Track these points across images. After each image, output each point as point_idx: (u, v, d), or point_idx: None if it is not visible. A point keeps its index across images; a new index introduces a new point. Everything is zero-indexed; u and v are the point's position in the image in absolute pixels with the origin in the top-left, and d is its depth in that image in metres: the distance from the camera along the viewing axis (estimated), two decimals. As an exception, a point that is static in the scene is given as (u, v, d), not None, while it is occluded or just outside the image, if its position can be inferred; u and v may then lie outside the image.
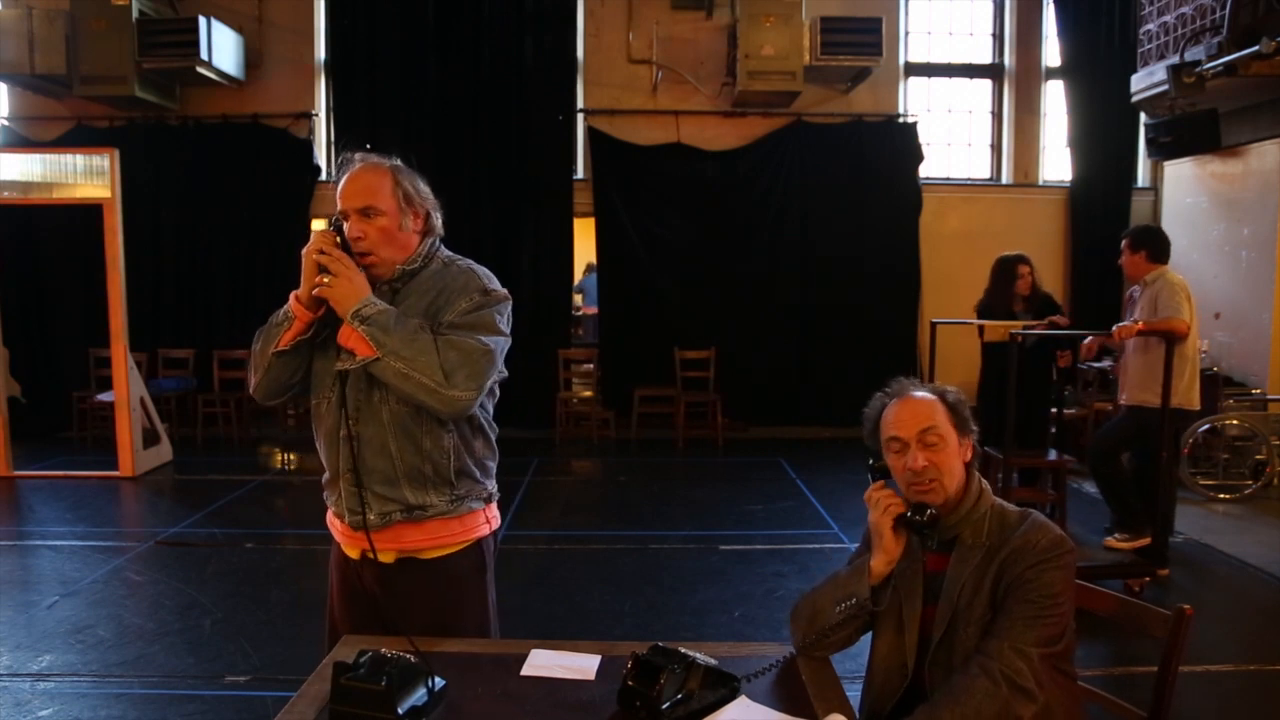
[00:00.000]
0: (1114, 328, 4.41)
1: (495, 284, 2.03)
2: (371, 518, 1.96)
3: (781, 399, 8.46)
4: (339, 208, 1.98)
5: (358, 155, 2.03)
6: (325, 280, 1.88)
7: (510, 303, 2.04)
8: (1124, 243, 4.74)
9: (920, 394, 1.82)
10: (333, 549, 2.15)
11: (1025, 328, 4.83)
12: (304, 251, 1.94)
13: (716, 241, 8.33)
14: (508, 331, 2.02)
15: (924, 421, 1.77)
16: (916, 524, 1.79)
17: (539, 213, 8.35)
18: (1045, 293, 5.49)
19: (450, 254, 2.10)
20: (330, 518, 2.12)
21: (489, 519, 2.12)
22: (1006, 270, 5.37)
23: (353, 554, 2.05)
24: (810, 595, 1.92)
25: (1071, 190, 8.60)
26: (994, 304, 5.38)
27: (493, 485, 2.14)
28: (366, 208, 1.95)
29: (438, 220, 2.07)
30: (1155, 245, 4.64)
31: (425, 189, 2.06)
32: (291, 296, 2.00)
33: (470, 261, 2.09)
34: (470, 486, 2.05)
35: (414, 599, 2.02)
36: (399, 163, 2.05)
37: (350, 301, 1.88)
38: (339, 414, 1.98)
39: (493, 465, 2.14)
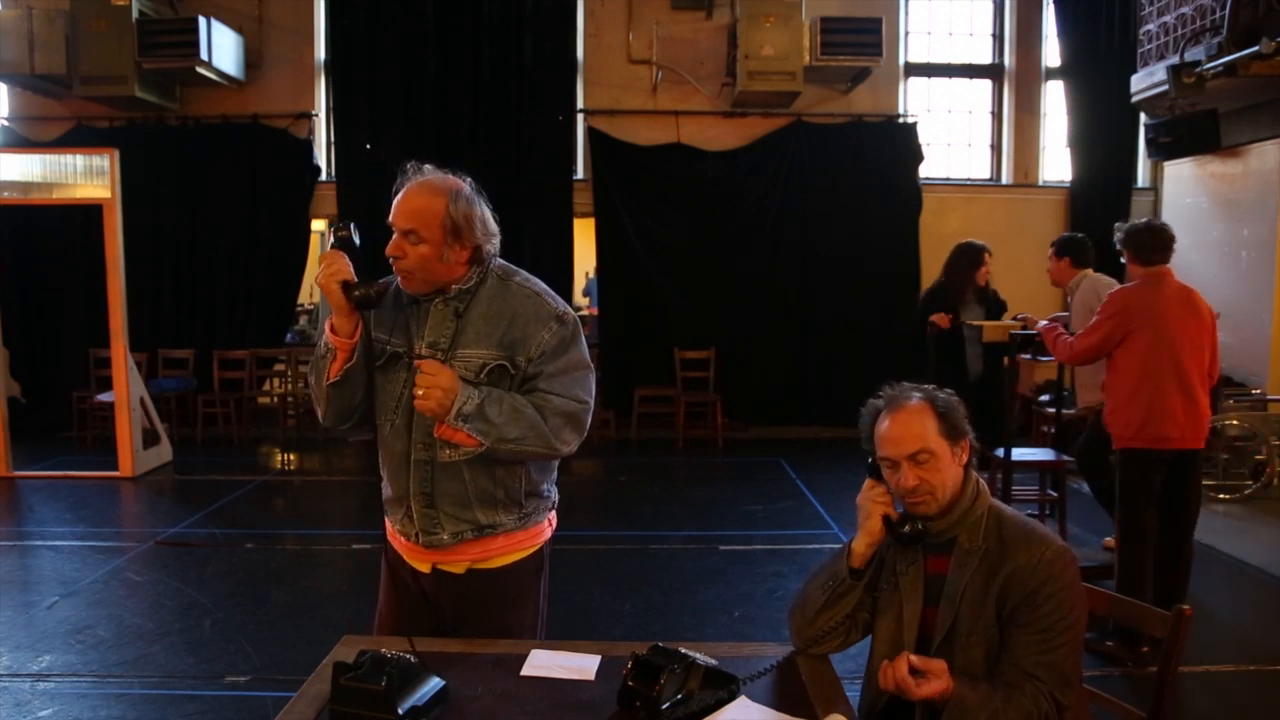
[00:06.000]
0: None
1: (561, 303, 2.02)
2: (444, 537, 1.99)
3: (781, 399, 8.46)
4: (389, 218, 1.93)
5: (426, 168, 1.96)
6: (419, 393, 1.84)
7: (580, 324, 2.04)
8: (1050, 252, 4.84)
9: (913, 402, 1.81)
10: (385, 554, 2.16)
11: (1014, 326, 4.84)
12: (319, 283, 1.92)
13: (716, 241, 8.33)
14: (590, 359, 2.04)
15: (914, 444, 1.77)
16: (899, 534, 1.81)
17: (539, 213, 8.34)
18: (993, 289, 5.46)
19: (504, 265, 2.05)
20: (392, 532, 2.12)
21: (550, 523, 2.17)
22: (972, 256, 5.33)
23: (423, 568, 2.06)
24: (802, 587, 1.95)
25: (1071, 190, 8.60)
26: (949, 289, 5.34)
27: (555, 494, 2.17)
28: (410, 231, 1.90)
29: (489, 248, 1.98)
30: (1077, 252, 4.76)
31: (482, 217, 1.95)
32: (326, 328, 1.97)
33: (526, 275, 2.06)
34: (537, 504, 2.09)
35: (476, 604, 2.06)
36: (462, 186, 1.95)
37: (442, 407, 1.84)
38: (408, 438, 1.98)
39: (554, 474, 2.17)
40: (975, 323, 5.15)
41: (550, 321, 1.97)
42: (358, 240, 1.95)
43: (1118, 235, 3.93)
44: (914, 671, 1.63)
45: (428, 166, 1.97)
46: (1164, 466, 3.68)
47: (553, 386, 1.95)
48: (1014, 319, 5.07)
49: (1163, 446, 3.65)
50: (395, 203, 1.93)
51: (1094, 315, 4.20)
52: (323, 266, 1.91)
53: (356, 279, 1.91)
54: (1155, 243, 3.78)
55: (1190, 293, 3.76)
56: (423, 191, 1.92)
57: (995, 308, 5.32)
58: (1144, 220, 3.95)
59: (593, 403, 2.01)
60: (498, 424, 1.87)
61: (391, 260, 1.94)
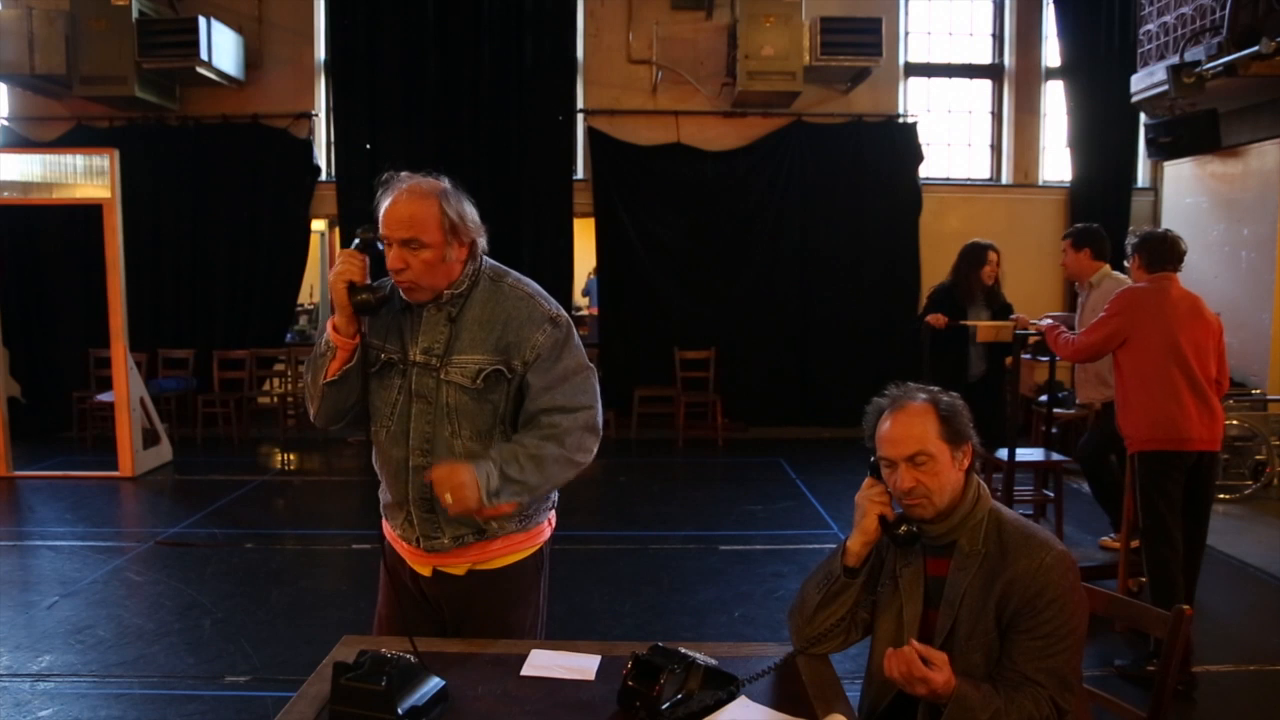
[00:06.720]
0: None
1: (554, 304, 2.01)
2: (445, 541, 2.00)
3: (781, 399, 8.46)
4: (381, 231, 1.90)
5: (404, 174, 1.94)
6: (448, 500, 1.84)
7: (574, 325, 2.04)
8: (1065, 243, 4.78)
9: (915, 404, 1.81)
10: (384, 556, 2.16)
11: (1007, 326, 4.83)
12: (330, 280, 1.92)
13: (716, 242, 8.33)
14: (587, 359, 2.05)
15: (913, 445, 1.76)
16: (894, 534, 1.81)
17: (539, 213, 8.35)
18: (1001, 292, 5.45)
19: (494, 266, 2.05)
20: (392, 536, 2.12)
21: (550, 522, 2.18)
22: (975, 255, 5.32)
23: (424, 571, 2.07)
24: (801, 586, 1.96)
25: (1071, 190, 8.60)
26: (956, 289, 5.33)
27: (555, 494, 2.17)
28: (411, 239, 1.87)
29: (482, 242, 2.00)
30: (1097, 243, 4.71)
31: (471, 211, 1.96)
32: (329, 326, 1.96)
33: (517, 276, 2.06)
34: (537, 505, 2.09)
35: (476, 604, 2.06)
36: (447, 186, 1.94)
37: (475, 499, 1.84)
38: (405, 445, 1.98)
39: None
40: (969, 323, 5.14)
41: (544, 324, 1.97)
42: (382, 247, 1.92)
43: (1130, 240, 3.93)
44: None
45: (404, 174, 1.95)
46: (1182, 470, 3.60)
47: (556, 400, 1.95)
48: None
49: (1181, 449, 3.57)
50: (385, 215, 1.90)
51: None
52: (339, 262, 1.91)
53: (368, 283, 1.90)
54: (1170, 253, 3.76)
55: (1196, 299, 3.74)
56: (413, 197, 1.90)
57: (1000, 311, 5.31)
58: (1161, 229, 3.92)
59: (599, 403, 2.02)
60: (525, 480, 1.89)
61: (393, 274, 1.91)
